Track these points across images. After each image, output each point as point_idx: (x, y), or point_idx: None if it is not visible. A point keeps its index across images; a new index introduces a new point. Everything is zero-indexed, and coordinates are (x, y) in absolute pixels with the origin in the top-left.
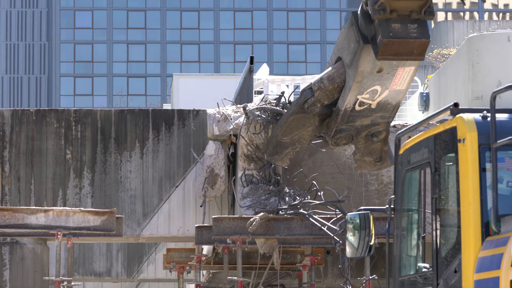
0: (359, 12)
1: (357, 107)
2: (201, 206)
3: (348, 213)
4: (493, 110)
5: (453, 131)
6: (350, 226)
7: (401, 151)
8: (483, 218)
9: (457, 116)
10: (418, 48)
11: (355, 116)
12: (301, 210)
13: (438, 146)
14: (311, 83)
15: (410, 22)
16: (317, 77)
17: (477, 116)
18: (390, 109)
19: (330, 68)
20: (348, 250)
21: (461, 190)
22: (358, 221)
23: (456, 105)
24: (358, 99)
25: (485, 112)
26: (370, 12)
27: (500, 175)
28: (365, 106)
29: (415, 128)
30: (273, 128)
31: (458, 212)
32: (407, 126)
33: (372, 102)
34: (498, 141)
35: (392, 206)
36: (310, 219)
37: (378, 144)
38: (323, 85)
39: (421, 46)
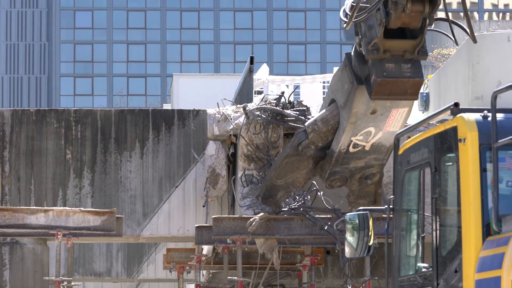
0: (352, 53)
1: (351, 149)
2: (203, 206)
3: (347, 213)
4: (494, 109)
5: (453, 130)
6: (349, 226)
7: (400, 151)
8: (483, 218)
9: (458, 116)
10: (411, 87)
11: (349, 158)
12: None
13: (438, 146)
14: (304, 125)
15: (404, 62)
16: (311, 119)
17: (478, 116)
18: (384, 151)
19: (324, 111)
20: (347, 250)
21: (462, 189)
22: (357, 221)
23: (456, 105)
24: (352, 140)
25: (485, 112)
26: (363, 53)
27: (501, 175)
28: (359, 148)
29: (414, 128)
30: (267, 171)
31: (459, 212)
32: (406, 126)
33: (366, 144)
34: (499, 141)
35: (391, 206)
36: (310, 218)
37: (372, 187)
38: (317, 127)
39: (415, 86)
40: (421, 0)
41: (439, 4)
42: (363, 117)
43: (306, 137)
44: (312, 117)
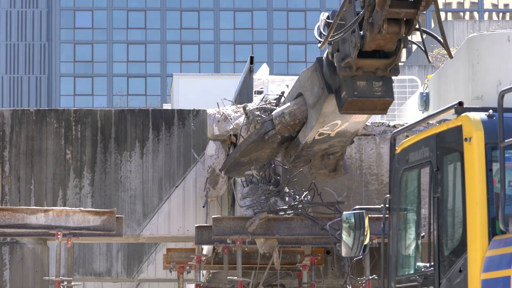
0: (324, 59)
1: (316, 137)
2: (203, 207)
3: (344, 213)
4: (501, 109)
5: (458, 130)
6: (345, 225)
7: (398, 150)
8: (489, 217)
9: (463, 115)
10: (381, 105)
11: (314, 143)
12: (300, 210)
13: (440, 144)
14: (272, 115)
15: (375, 79)
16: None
17: (483, 115)
18: (348, 135)
19: (291, 103)
20: (343, 249)
21: (467, 189)
22: (353, 220)
23: (461, 104)
24: (318, 131)
25: (490, 111)
26: (336, 65)
27: (506, 174)
28: (325, 136)
29: (412, 127)
30: (231, 151)
31: (463, 211)
32: (405, 125)
33: (332, 132)
34: (506, 140)
35: (387, 205)
36: (310, 218)
37: (334, 160)
38: (285, 120)
39: (385, 104)
40: (397, 21)
41: (415, 25)
42: (331, 115)
43: (273, 127)
44: (282, 101)
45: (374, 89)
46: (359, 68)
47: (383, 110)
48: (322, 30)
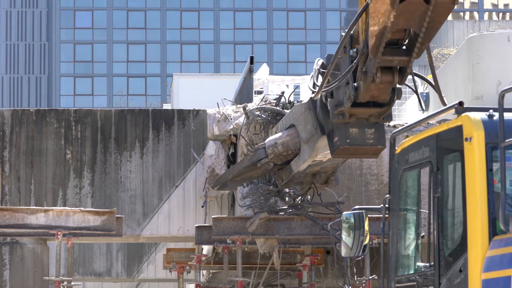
0: (317, 101)
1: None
2: (202, 207)
3: (343, 213)
4: (502, 109)
5: (458, 129)
6: (345, 225)
7: (397, 150)
8: (490, 217)
9: (463, 114)
10: (373, 151)
11: (306, 168)
12: (300, 211)
13: (441, 144)
14: (265, 143)
15: (368, 126)
16: (272, 138)
17: (483, 115)
18: (340, 159)
19: (284, 134)
20: (342, 249)
21: (468, 189)
22: (352, 220)
23: (461, 103)
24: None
25: (491, 111)
26: (329, 109)
27: (506, 174)
28: (317, 161)
29: (412, 127)
30: (223, 173)
31: (464, 211)
32: (405, 124)
33: (324, 158)
34: (507, 140)
35: (387, 205)
36: (310, 218)
37: (325, 176)
38: (277, 150)
39: (377, 150)
40: (391, 69)
41: (409, 73)
42: (324, 148)
43: (266, 156)
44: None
45: (367, 136)
46: (352, 115)
47: (374, 155)
48: (315, 80)
